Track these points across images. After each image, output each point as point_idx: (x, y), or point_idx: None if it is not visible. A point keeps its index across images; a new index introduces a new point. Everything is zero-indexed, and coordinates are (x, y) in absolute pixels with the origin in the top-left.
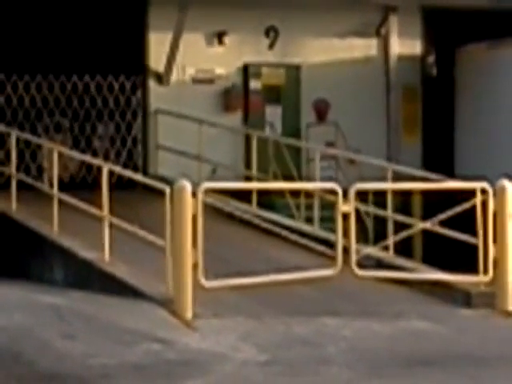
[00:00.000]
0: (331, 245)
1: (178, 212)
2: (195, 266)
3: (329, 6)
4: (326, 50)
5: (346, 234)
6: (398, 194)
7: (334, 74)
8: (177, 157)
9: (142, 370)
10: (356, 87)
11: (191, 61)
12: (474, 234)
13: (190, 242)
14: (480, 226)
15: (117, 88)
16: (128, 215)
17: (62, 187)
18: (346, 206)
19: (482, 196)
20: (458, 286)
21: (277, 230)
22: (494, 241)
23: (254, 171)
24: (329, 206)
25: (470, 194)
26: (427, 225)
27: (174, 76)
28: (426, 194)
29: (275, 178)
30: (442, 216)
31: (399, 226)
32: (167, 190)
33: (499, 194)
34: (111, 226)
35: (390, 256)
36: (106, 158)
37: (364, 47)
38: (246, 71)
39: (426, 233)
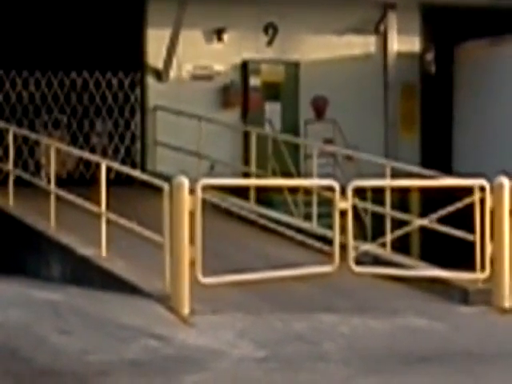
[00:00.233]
0: (329, 241)
1: (176, 208)
2: (193, 263)
3: (328, 2)
4: (325, 47)
5: (343, 230)
6: (395, 190)
7: (333, 71)
8: (175, 153)
9: (139, 366)
10: (354, 84)
11: (190, 57)
12: (472, 231)
13: (188, 239)
14: (477, 223)
15: (115, 84)
16: (126, 211)
17: (60, 183)
18: (344, 203)
19: (479, 193)
20: (456, 282)
21: (275, 226)
22: (492, 238)
23: (253, 168)
24: (327, 203)
25: (468, 191)
26: (425, 222)
27: (173, 73)
28: (423, 190)
29: (273, 174)
30: (440, 213)
31: (397, 223)
32: (165, 186)
33: (497, 191)
34: (109, 222)
35: (387, 253)
36: (104, 154)
37: (363, 44)
38: (244, 68)
39: (423, 230)
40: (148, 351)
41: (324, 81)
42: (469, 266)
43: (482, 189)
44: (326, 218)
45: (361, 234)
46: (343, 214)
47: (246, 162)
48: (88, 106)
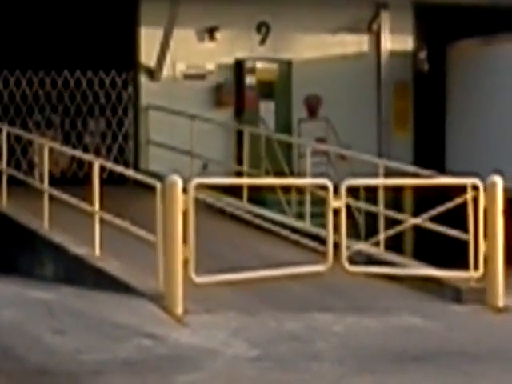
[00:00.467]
0: (322, 240)
1: (169, 207)
2: (186, 262)
3: (320, 1)
4: (318, 46)
5: (337, 229)
6: (389, 189)
7: (326, 69)
8: (168, 152)
9: (133, 366)
10: (347, 83)
11: (182, 56)
12: (465, 229)
13: (181, 238)
14: (471, 222)
15: (108, 83)
16: (119, 211)
17: (53, 182)
18: (337, 202)
19: (473, 192)
20: (449, 281)
21: (268, 225)
22: (485, 237)
23: (246, 167)
24: (320, 202)
25: (461, 189)
26: (418, 221)
27: (165, 72)
28: (417, 189)
29: (267, 173)
30: (433, 212)
31: (390, 222)
32: (158, 185)
33: (490, 190)
34: (102, 221)
35: (380, 252)
36: (97, 153)
37: (356, 43)
38: (237, 67)
39: (416, 229)
40: (142, 350)
41: (317, 79)
42: (462, 264)
43: (475, 187)
44: (319, 217)
45: (354, 233)
46: (336, 212)
47: (239, 161)
48: (81, 105)
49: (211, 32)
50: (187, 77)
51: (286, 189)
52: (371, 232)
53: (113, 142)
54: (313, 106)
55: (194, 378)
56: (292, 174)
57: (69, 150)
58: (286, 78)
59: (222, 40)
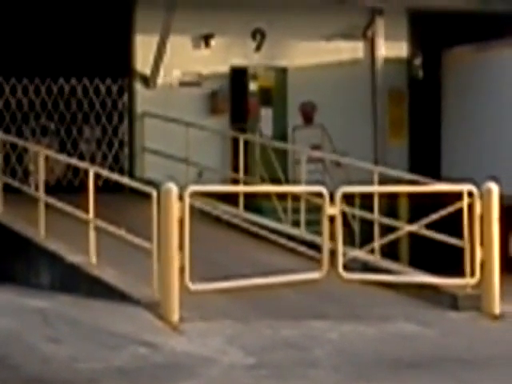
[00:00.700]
0: (318, 248)
1: (165, 215)
2: (182, 270)
3: (315, 8)
4: (313, 53)
5: (332, 237)
6: (384, 196)
7: (321, 76)
8: (163, 160)
9: (129, 374)
10: (342, 90)
11: (178, 63)
12: (461, 236)
13: (177, 245)
14: (466, 229)
15: (103, 91)
16: (115, 218)
17: (49, 190)
18: (333, 209)
19: (468, 198)
20: (445, 288)
21: (263, 233)
22: (481, 243)
23: (241, 174)
24: (315, 209)
25: (457, 196)
26: (414, 227)
27: (161, 79)
28: (412, 196)
29: (262, 180)
30: (429, 219)
31: (386, 229)
32: (154, 193)
33: (486, 197)
34: (98, 229)
35: (376, 259)
36: (93, 161)
37: (350, 50)
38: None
39: (412, 236)
40: (137, 359)
41: (312, 86)
42: (458, 271)
43: (471, 194)
44: (314, 224)
45: (350, 240)
46: (332, 220)
47: (235, 168)
48: (76, 112)
49: (206, 39)
50: (183, 84)
51: (282, 196)
52: (367, 239)
53: (108, 150)
54: (308, 113)
55: None
56: (287, 181)
57: (64, 158)
58: (282, 84)
59: (218, 47)
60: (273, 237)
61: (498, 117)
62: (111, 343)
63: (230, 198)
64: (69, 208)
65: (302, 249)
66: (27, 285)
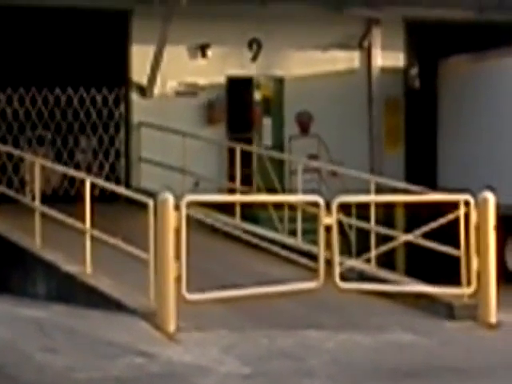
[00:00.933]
0: (314, 257)
1: (161, 225)
2: (178, 279)
3: (311, 18)
4: (309, 63)
5: (328, 246)
6: (380, 206)
7: (317, 86)
8: (160, 169)
9: None
10: (339, 100)
11: (174, 73)
12: (457, 246)
13: (173, 255)
14: (463, 238)
15: (99, 101)
16: (111, 228)
17: (45, 200)
18: (329, 219)
19: (464, 208)
20: (441, 298)
21: (260, 242)
22: (477, 253)
23: (238, 184)
24: (312, 219)
25: (453, 206)
26: (410, 237)
27: (157, 89)
28: (408, 206)
29: (258, 190)
30: (425, 228)
31: (382, 239)
32: (150, 202)
33: (482, 206)
34: (94, 239)
35: (372, 268)
36: (89, 170)
37: (347, 60)
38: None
39: (409, 245)
40: (133, 368)
41: (308, 96)
42: (454, 281)
43: (467, 204)
44: (311, 233)
45: (346, 250)
46: (328, 229)
47: (231, 178)
48: (72, 122)
49: (203, 49)
50: (179, 94)
51: (278, 205)
52: (363, 249)
53: (104, 160)
54: (304, 123)
55: None
56: (284, 190)
57: (60, 168)
58: (278, 94)
59: (214, 57)
60: (269, 246)
61: (494, 126)
62: (108, 353)
63: (226, 208)
64: (65, 218)
65: (299, 258)
66: (23, 294)
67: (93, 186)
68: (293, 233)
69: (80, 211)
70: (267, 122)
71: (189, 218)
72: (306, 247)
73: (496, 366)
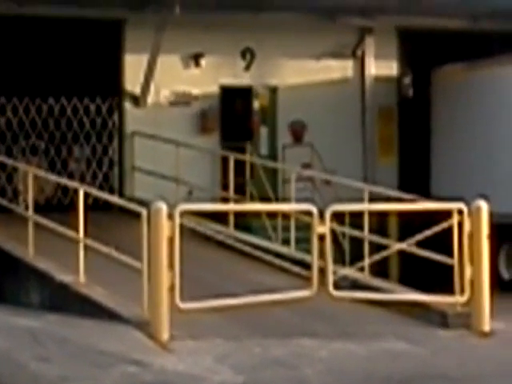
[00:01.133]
0: (308, 266)
1: (155, 234)
2: (171, 288)
3: (305, 27)
4: (302, 72)
5: (322, 255)
6: (374, 214)
7: (310, 95)
8: (153, 179)
9: None
10: (332, 108)
11: (168, 83)
12: (451, 254)
13: (167, 264)
14: (456, 247)
15: (93, 110)
16: (104, 237)
17: (38, 209)
18: (322, 228)
19: (458, 216)
20: (435, 306)
21: (253, 251)
22: (471, 261)
23: (231, 193)
24: (305, 227)
25: (447, 214)
26: (403, 246)
27: (151, 98)
28: (402, 214)
29: (252, 199)
30: (419, 237)
31: (375, 247)
32: (143, 212)
33: (475, 215)
34: (87, 248)
35: (366, 277)
36: (82, 180)
37: (340, 68)
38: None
39: (402, 254)
40: (127, 377)
41: (302, 105)
42: (448, 289)
43: (461, 212)
44: (304, 242)
45: (339, 259)
46: (322, 238)
47: (225, 187)
48: (66, 131)
49: (196, 58)
50: (172, 103)
51: (272, 214)
52: (356, 257)
53: (98, 169)
54: (298, 132)
55: None
56: (277, 199)
57: (54, 177)
58: (272, 103)
59: (207, 66)
60: (263, 255)
61: (487, 135)
62: (101, 362)
63: (220, 217)
64: (58, 227)
65: (292, 267)
66: (17, 304)
67: (86, 195)
68: (286, 241)
69: (73, 220)
70: (263, 131)
71: (182, 227)
72: (300, 256)
73: (489, 374)
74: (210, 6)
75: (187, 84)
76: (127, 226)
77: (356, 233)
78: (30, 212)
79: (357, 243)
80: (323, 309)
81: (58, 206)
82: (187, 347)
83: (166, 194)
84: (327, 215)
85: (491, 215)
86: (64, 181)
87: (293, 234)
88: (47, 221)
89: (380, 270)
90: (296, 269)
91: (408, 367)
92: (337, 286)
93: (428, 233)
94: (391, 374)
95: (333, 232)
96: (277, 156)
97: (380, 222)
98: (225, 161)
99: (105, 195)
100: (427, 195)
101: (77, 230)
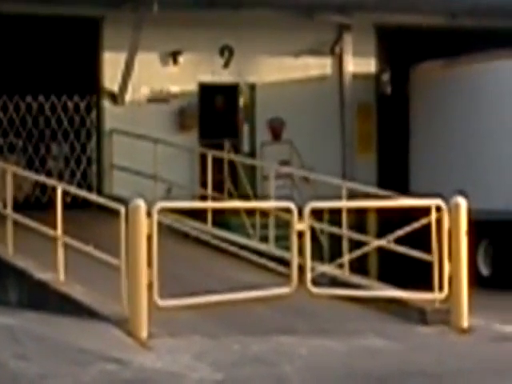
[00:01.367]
0: (287, 263)
1: (133, 231)
2: (150, 286)
3: (283, 24)
4: (281, 69)
5: (301, 252)
6: (352, 211)
7: (289, 92)
8: (132, 176)
9: None
10: (311, 106)
11: (146, 80)
12: (429, 251)
13: (145, 262)
14: (435, 243)
15: (71, 108)
16: (83, 235)
17: (17, 207)
18: (301, 225)
19: (436, 213)
20: (414, 303)
21: (232, 249)
22: (449, 258)
23: (210, 190)
24: (284, 225)
25: (425, 211)
26: (382, 242)
27: (129, 96)
28: (381, 211)
29: (230, 196)
30: (397, 233)
31: (354, 244)
32: (122, 209)
33: (453, 211)
34: (66, 246)
35: (345, 274)
36: (61, 178)
37: (318, 66)
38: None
39: (381, 250)
40: (106, 375)
41: (280, 102)
42: (427, 286)
43: (439, 209)
44: (283, 239)
45: (318, 256)
46: (300, 235)
47: (204, 184)
48: (44, 129)
49: (174, 56)
50: (151, 101)
51: (250, 212)
52: (335, 254)
53: (76, 167)
54: (276, 129)
55: None
56: (256, 196)
57: (32, 175)
58: (250, 101)
59: (186, 64)
60: (241, 253)
61: (465, 131)
62: (80, 360)
63: (198, 214)
64: (37, 225)
65: (271, 264)
66: None
67: (65, 193)
68: (265, 239)
69: (52, 218)
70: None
71: (161, 225)
72: (279, 253)
73: (468, 370)
74: (187, 3)
75: (165, 81)
76: (106, 223)
77: (335, 230)
78: (9, 210)
79: (336, 240)
80: (302, 306)
81: (36, 204)
82: (166, 345)
83: (145, 192)
84: (306, 212)
85: (470, 212)
86: (42, 179)
87: (272, 232)
88: (26, 219)
89: (359, 266)
90: (275, 266)
91: (387, 364)
92: (316, 283)
93: (407, 229)
94: (370, 370)
95: (312, 229)
96: (255, 153)
97: (359, 218)
98: (203, 158)
99: (83, 193)
100: (406, 192)
101: (55, 227)
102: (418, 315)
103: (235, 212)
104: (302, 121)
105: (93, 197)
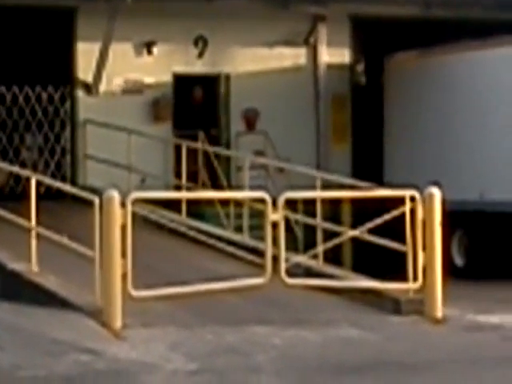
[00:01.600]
0: (261, 253)
1: (107, 222)
2: (124, 276)
3: (257, 15)
4: (255, 59)
5: (275, 242)
6: (327, 202)
7: (263, 83)
8: (106, 167)
9: (71, 381)
10: (285, 96)
11: (120, 71)
12: (404, 241)
13: (119, 252)
14: (409, 234)
15: (45, 98)
16: (57, 226)
17: None
18: (275, 215)
19: (410, 203)
20: (388, 293)
21: (206, 239)
22: (423, 248)
23: (184, 181)
24: (258, 215)
25: (400, 201)
26: (356, 233)
27: (103, 86)
28: (355, 202)
29: (204, 187)
30: (372, 224)
31: (329, 235)
32: (96, 200)
33: (428, 202)
34: (40, 236)
35: (319, 264)
36: (35, 168)
37: (293, 56)
38: (175, 81)
39: (355, 241)
40: (79, 366)
41: (255, 93)
42: (401, 276)
43: (413, 199)
44: (257, 230)
45: (292, 246)
46: (275, 225)
47: (178, 174)
48: (18, 120)
49: (148, 46)
50: (125, 91)
51: (225, 202)
52: (310, 245)
53: (50, 157)
54: (251, 120)
55: None
56: (230, 187)
57: (6, 166)
58: (225, 91)
59: (160, 54)
60: (216, 243)
61: (440, 122)
62: (53, 350)
63: (172, 205)
64: (10, 216)
65: (245, 254)
66: None
67: (38, 183)
68: (239, 229)
69: (26, 209)
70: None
71: (135, 215)
72: (253, 243)
73: (441, 360)
74: None
75: (140, 72)
76: (80, 214)
77: (309, 220)
78: None
79: (310, 231)
80: (276, 296)
81: (10, 194)
82: (140, 335)
83: (119, 182)
84: (280, 202)
85: (444, 202)
86: (16, 169)
87: (246, 222)
88: (0, 210)
89: (333, 257)
90: (249, 256)
91: (361, 354)
92: (290, 274)
93: (381, 220)
94: (344, 360)
95: (286, 219)
96: (230, 143)
97: (333, 209)
98: (178, 149)
99: (57, 183)
100: (380, 183)
101: (29, 218)
102: (393, 305)
103: (210, 202)
104: (276, 111)
105: (67, 187)
